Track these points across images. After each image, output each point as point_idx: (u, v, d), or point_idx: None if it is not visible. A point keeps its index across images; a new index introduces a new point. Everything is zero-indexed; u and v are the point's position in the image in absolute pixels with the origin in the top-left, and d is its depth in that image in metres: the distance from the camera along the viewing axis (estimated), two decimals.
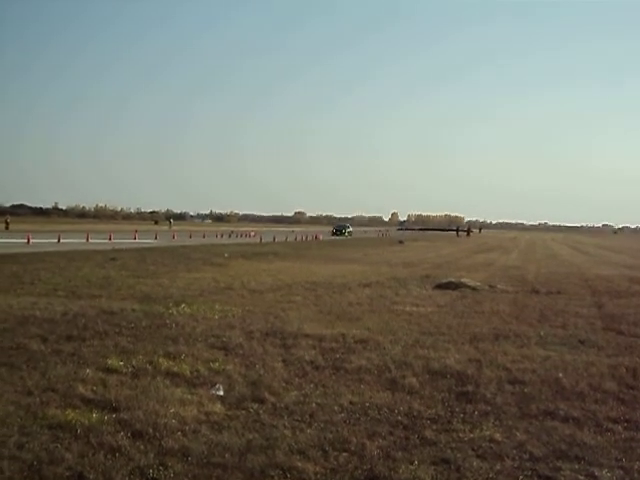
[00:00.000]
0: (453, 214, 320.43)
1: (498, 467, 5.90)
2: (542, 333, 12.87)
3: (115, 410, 7.01)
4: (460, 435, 6.71)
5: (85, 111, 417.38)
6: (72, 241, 47.19)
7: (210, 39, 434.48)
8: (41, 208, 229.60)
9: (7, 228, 79.80)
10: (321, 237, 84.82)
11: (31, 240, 45.04)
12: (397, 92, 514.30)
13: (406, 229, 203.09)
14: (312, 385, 8.39)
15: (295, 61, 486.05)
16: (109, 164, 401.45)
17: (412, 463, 5.90)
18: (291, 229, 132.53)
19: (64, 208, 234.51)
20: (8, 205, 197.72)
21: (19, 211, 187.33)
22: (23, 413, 6.79)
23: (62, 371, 8.53)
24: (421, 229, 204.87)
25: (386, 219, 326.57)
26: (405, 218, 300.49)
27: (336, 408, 7.46)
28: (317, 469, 5.67)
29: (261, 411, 7.25)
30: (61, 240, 47.90)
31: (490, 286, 22.06)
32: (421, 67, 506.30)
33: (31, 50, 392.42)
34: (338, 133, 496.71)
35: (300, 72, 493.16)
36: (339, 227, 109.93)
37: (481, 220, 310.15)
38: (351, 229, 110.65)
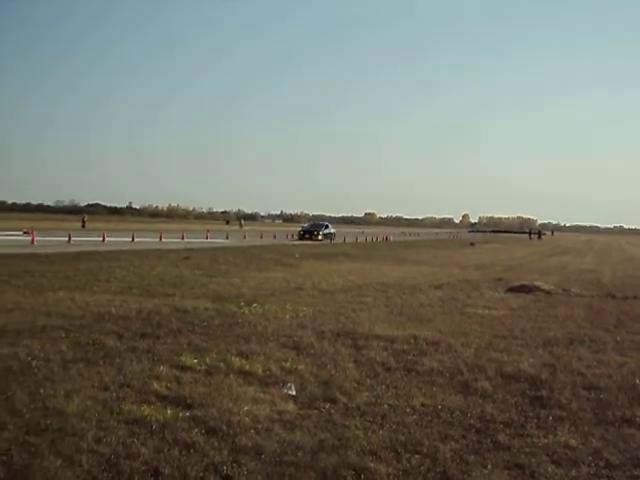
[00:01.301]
0: (525, 216, 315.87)
1: (573, 474, 5.79)
2: (618, 338, 12.58)
3: (189, 407, 7.10)
4: (534, 440, 6.61)
5: (161, 111, 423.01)
6: (146, 240, 48.06)
7: (262, 37, 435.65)
8: (115, 207, 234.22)
9: (84, 226, 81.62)
10: (391, 238, 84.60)
11: (106, 238, 45.91)
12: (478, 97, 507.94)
13: (477, 231, 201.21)
14: (384, 386, 8.36)
15: (366, 64, 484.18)
16: (182, 164, 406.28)
17: (485, 467, 5.84)
18: (361, 230, 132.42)
19: (138, 207, 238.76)
20: (84, 204, 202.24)
21: (94, 210, 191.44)
22: (100, 408, 6.92)
23: (137, 367, 8.67)
24: (493, 231, 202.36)
25: (457, 221, 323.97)
26: (476, 220, 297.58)
27: (408, 410, 7.42)
28: (389, 470, 5.65)
29: (333, 411, 7.26)
30: (135, 239, 48.77)
31: (564, 290, 21.67)
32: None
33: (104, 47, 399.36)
34: (411, 135, 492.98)
35: (371, 75, 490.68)
36: (310, 228, 74.44)
37: (554, 223, 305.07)
38: (332, 230, 73.62)
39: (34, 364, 8.58)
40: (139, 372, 8.42)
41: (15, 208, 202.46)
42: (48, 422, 6.38)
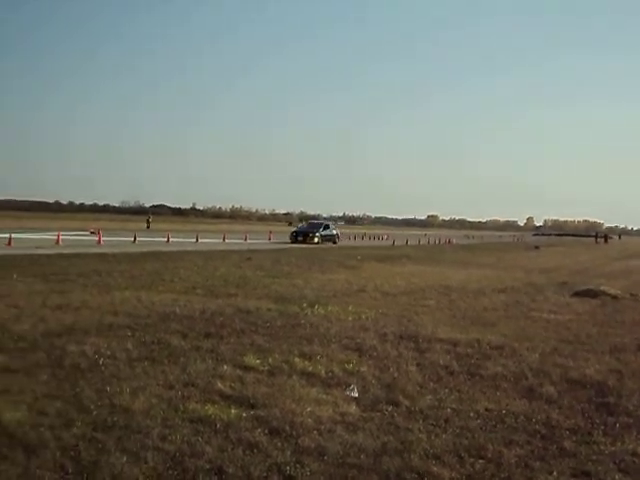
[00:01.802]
0: (592, 220, 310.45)
1: None
2: None
3: (252, 407, 7.14)
4: (601, 447, 6.48)
5: (221, 112, 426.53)
6: (209, 241, 48.60)
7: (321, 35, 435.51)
8: (179, 208, 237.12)
9: (148, 227, 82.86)
10: (454, 241, 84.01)
11: (170, 239, 46.57)
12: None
13: (542, 234, 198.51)
14: (447, 390, 8.30)
15: (446, 70, 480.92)
16: (245, 166, 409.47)
17: (551, 474, 5.75)
18: (424, 232, 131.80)
19: (201, 209, 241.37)
20: (149, 205, 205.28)
21: (159, 211, 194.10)
22: (165, 406, 7.01)
23: (201, 367, 8.76)
24: (558, 234, 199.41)
25: (521, 224, 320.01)
26: (541, 223, 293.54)
27: (472, 414, 7.35)
28: (453, 475, 5.60)
29: (395, 414, 7.22)
30: (199, 240, 49.35)
31: (631, 294, 21.22)
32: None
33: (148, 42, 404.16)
34: (477, 137, 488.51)
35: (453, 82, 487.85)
36: (305, 228, 63.65)
37: (621, 226, 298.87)
38: (334, 231, 63.03)
39: (101, 362, 8.73)
40: (203, 371, 8.50)
41: (82, 209, 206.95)
42: (115, 419, 6.49)
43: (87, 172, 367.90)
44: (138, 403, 7.01)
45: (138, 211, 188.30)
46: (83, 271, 21.01)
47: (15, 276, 18.18)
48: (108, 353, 9.24)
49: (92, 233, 50.91)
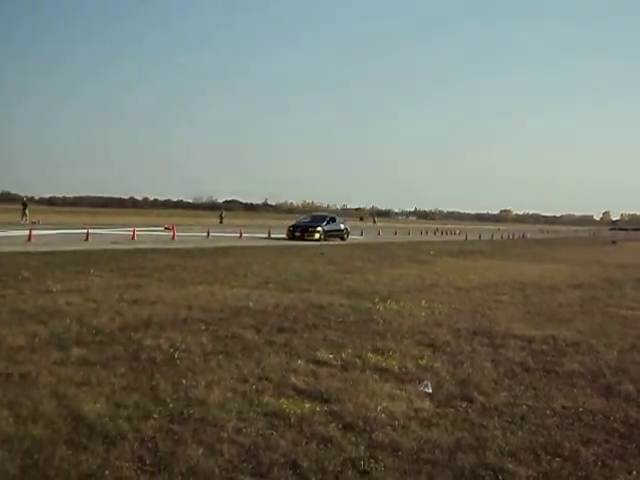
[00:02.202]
0: None
1: None
2: None
3: (326, 401, 7.15)
4: None
5: (295, 107, 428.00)
6: (281, 236, 48.77)
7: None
8: (252, 204, 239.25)
9: (221, 222, 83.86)
10: (528, 236, 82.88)
11: (243, 234, 46.99)
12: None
13: (619, 229, 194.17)
14: (522, 387, 8.17)
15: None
16: (316, 161, 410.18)
17: (630, 473, 5.62)
18: (497, 227, 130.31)
19: (273, 204, 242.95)
20: (222, 201, 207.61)
21: (232, 206, 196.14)
22: (240, 399, 7.07)
23: (275, 361, 8.81)
24: (635, 229, 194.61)
25: (597, 218, 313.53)
26: (618, 217, 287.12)
27: (548, 412, 7.23)
28: (529, 473, 5.52)
29: (470, 410, 7.15)
30: (271, 235, 49.70)
31: None
32: None
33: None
34: (551, 131, 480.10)
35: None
36: (305, 223, 52.12)
37: None
38: (342, 226, 53.02)
39: (176, 355, 8.85)
40: (277, 366, 8.55)
41: (156, 204, 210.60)
42: (190, 412, 6.57)
43: (162, 169, 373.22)
44: (213, 396, 7.09)
45: (211, 207, 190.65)
46: (158, 266, 21.37)
47: (92, 271, 18.57)
48: (183, 347, 9.36)
49: (166, 229, 51.69)
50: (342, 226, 52.69)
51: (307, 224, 50.65)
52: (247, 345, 9.74)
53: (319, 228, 48.50)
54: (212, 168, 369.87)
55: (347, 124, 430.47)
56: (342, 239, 50.73)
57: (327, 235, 48.57)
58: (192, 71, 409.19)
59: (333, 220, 52.43)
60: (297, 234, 47.70)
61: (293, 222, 54.31)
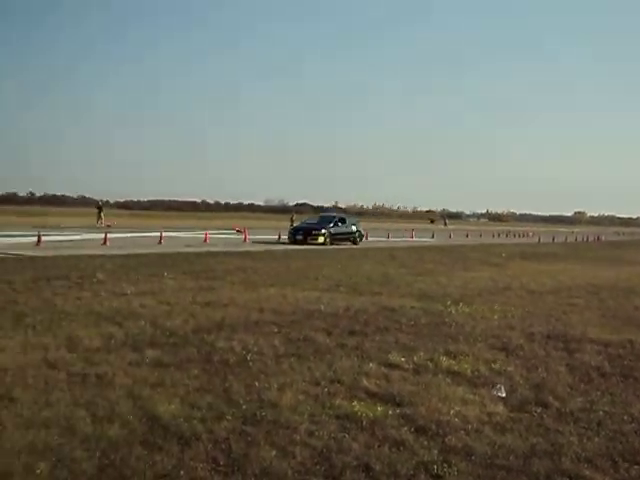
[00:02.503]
0: None
1: None
2: None
3: (398, 405, 7.12)
4: None
5: (368, 108, 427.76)
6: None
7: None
8: (322, 206, 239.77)
9: (292, 225, 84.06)
10: (603, 238, 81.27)
11: None
12: None
13: None
14: (598, 392, 8.00)
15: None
16: (387, 164, 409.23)
17: None
18: (571, 230, 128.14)
19: (343, 207, 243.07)
20: (293, 204, 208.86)
21: (302, 209, 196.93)
22: (312, 402, 7.09)
23: (346, 364, 8.81)
24: None
25: None
26: None
27: (625, 417, 7.06)
28: None
29: (545, 415, 7.03)
30: None
31: None
32: None
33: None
34: (628, 132, 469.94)
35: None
36: (309, 224, 46.92)
37: None
38: (354, 227, 46.95)
39: (249, 357, 8.92)
40: (349, 368, 8.55)
41: (229, 207, 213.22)
42: (263, 414, 6.61)
43: (232, 172, 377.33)
44: (285, 399, 7.12)
45: (282, 210, 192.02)
46: (230, 268, 21.60)
47: (166, 273, 18.84)
48: (255, 349, 9.43)
49: (238, 231, 52.19)
50: (354, 228, 46.86)
51: (311, 226, 45.28)
52: (319, 348, 9.77)
53: (323, 231, 43.01)
54: (282, 171, 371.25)
55: (418, 126, 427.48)
56: (354, 243, 45.30)
57: (335, 238, 43.45)
58: (250, 72, 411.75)
59: (342, 221, 46.55)
60: (299, 237, 42.54)
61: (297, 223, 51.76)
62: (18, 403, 6.61)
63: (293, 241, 41.92)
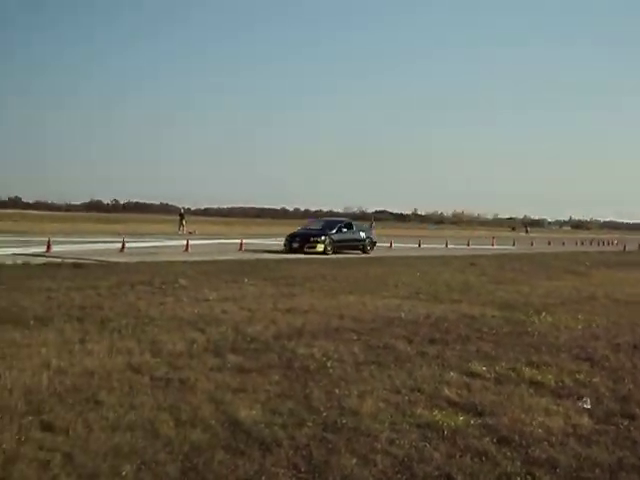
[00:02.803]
0: None
1: None
2: None
3: (480, 414, 7.03)
4: None
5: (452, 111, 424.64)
6: (431, 246, 48.63)
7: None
8: (401, 214, 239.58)
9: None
10: None
11: (393, 244, 47.11)
12: None
13: None
14: None
15: None
16: (466, 170, 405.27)
17: None
18: None
19: (423, 214, 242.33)
20: (371, 211, 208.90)
21: (381, 216, 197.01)
22: (393, 410, 7.05)
23: (427, 372, 8.74)
24: None
25: None
26: None
27: None
28: None
29: (632, 428, 6.84)
30: (421, 245, 49.57)
31: None
32: None
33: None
34: None
35: None
36: (309, 230, 40.82)
37: None
38: (362, 234, 41.45)
39: (329, 364, 8.93)
40: (429, 377, 8.48)
41: (306, 214, 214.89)
42: (344, 421, 6.60)
43: (312, 180, 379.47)
44: (366, 406, 7.10)
45: (361, 217, 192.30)
46: (309, 275, 21.69)
47: (247, 280, 19.03)
48: (336, 356, 9.44)
49: None
50: (362, 235, 41.25)
51: (309, 232, 39.55)
52: (399, 356, 9.72)
53: (323, 237, 37.46)
54: (361, 178, 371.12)
55: (494, 134, 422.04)
56: (363, 251, 39.96)
57: (338, 246, 38.08)
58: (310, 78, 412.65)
59: (348, 227, 40.77)
60: (295, 245, 37.19)
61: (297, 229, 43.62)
62: (104, 406, 6.75)
63: (289, 249, 36.77)
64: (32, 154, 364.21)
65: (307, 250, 36.02)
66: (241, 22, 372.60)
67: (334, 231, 38.68)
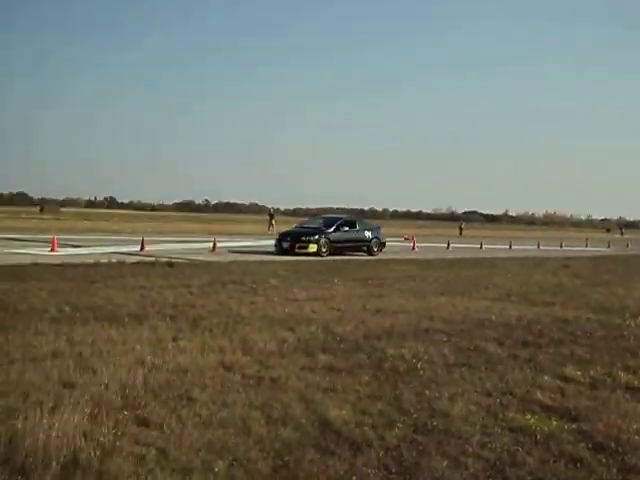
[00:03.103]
0: None
1: None
2: None
3: (574, 420, 6.87)
4: None
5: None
6: (523, 247, 47.91)
7: None
8: (492, 215, 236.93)
9: (461, 234, 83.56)
10: None
11: (483, 246, 46.60)
12: None
13: None
14: None
15: None
16: (560, 170, 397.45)
17: None
18: None
19: (514, 215, 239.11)
20: (461, 212, 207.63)
21: (471, 217, 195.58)
22: (484, 413, 6.96)
23: (519, 376, 8.60)
24: None
25: None
26: None
27: None
28: None
29: None
30: (512, 246, 48.88)
31: None
32: None
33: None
34: None
35: None
36: (305, 229, 35.94)
37: None
38: (368, 234, 36.12)
39: (419, 366, 8.87)
40: (521, 380, 8.34)
41: (395, 215, 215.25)
42: (434, 423, 6.55)
43: (399, 178, 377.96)
44: (457, 409, 7.03)
45: (450, 218, 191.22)
46: (398, 276, 21.66)
47: (336, 280, 19.10)
48: (426, 357, 9.38)
49: (406, 239, 52.21)
50: (367, 234, 36.12)
51: (302, 231, 35.06)
52: (490, 358, 9.60)
53: (317, 237, 33.06)
54: (451, 178, 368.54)
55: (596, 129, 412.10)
56: (369, 253, 35.17)
57: (337, 247, 33.62)
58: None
59: (350, 225, 36.03)
60: (285, 245, 32.95)
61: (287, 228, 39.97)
62: (197, 403, 6.86)
63: (279, 250, 32.63)
64: (130, 156, 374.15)
65: (298, 251, 32.01)
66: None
67: (331, 230, 34.17)
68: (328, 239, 33.15)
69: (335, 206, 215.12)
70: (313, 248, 32.22)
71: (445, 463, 5.55)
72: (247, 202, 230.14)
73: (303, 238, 32.91)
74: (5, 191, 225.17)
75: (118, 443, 5.60)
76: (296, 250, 31.98)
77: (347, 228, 35.21)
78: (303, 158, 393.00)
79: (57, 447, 5.38)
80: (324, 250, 32.45)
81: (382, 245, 36.72)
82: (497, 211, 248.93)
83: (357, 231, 35.78)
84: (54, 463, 5.10)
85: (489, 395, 7.67)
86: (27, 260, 21.70)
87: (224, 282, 17.46)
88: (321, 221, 36.75)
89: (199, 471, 5.18)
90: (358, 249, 35.03)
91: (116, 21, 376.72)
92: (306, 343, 10.08)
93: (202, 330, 10.67)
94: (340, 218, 36.70)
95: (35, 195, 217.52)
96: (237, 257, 27.44)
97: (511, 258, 35.88)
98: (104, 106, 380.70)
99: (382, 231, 37.87)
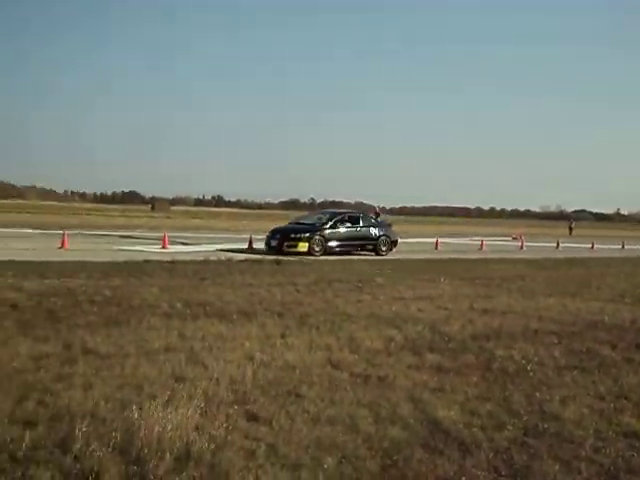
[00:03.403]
0: None
1: None
2: None
3: None
4: None
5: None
6: (636, 247, 46.48)
7: None
8: (602, 213, 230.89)
9: (571, 233, 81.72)
10: None
11: (595, 245, 45.52)
12: None
13: None
14: None
15: None
16: None
17: None
18: None
19: (625, 214, 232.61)
20: (571, 210, 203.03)
21: (580, 216, 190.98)
22: (597, 417, 6.78)
23: (634, 380, 8.33)
24: None
25: None
26: None
27: None
28: None
29: None
30: (625, 246, 47.58)
31: None
32: None
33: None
34: None
35: None
36: (296, 225, 31.84)
37: None
38: (375, 230, 31.55)
39: (529, 367, 8.71)
40: (636, 384, 8.09)
41: (502, 214, 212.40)
42: (545, 426, 6.42)
43: (505, 177, 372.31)
44: (568, 412, 6.88)
45: (559, 217, 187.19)
46: (506, 275, 21.33)
47: (442, 279, 18.95)
48: (536, 359, 9.20)
49: (514, 239, 51.45)
50: (373, 232, 31.72)
51: (294, 227, 31.44)
52: (603, 361, 9.34)
53: (308, 234, 29.27)
54: (560, 176, 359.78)
55: None
56: (375, 252, 31.08)
57: (335, 245, 29.82)
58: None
59: (353, 221, 31.46)
60: (273, 244, 29.27)
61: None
62: (305, 399, 6.92)
63: (269, 249, 29.07)
64: (237, 156, 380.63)
65: (287, 250, 28.36)
66: None
67: (327, 226, 30.08)
68: (322, 237, 29.43)
69: (442, 205, 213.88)
70: (304, 247, 28.66)
71: (557, 467, 5.43)
72: (352, 201, 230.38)
73: (292, 236, 29.31)
74: (117, 190, 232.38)
75: (229, 437, 5.70)
76: (284, 249, 28.41)
77: (348, 224, 30.97)
78: (417, 158, 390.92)
79: (171, 439, 5.52)
80: (317, 249, 28.82)
81: (393, 244, 32.32)
82: (608, 210, 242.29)
83: (360, 228, 31.32)
84: (168, 455, 5.23)
85: (602, 399, 7.47)
86: (140, 257, 22.37)
87: (330, 280, 17.57)
88: (319, 216, 32.74)
89: (308, 467, 5.22)
90: (362, 248, 31.09)
91: None
92: (413, 342, 10.03)
93: (309, 328, 10.75)
94: (340, 213, 32.51)
95: (147, 194, 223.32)
96: (344, 256, 27.58)
97: (624, 258, 34.88)
98: (221, 108, 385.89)
99: (393, 229, 34.03)
